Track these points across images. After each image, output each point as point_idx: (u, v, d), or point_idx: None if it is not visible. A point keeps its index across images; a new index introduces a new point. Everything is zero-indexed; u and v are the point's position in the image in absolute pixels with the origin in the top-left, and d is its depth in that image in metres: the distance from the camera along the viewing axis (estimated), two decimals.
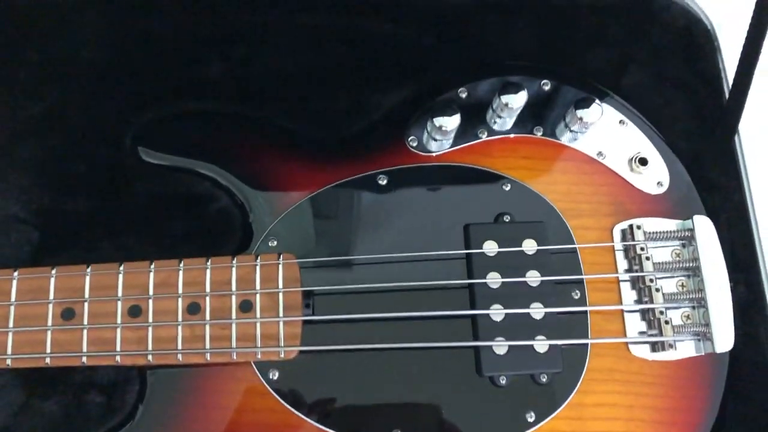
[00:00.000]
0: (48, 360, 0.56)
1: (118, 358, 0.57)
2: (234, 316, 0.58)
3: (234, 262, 0.59)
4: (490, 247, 0.62)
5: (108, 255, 0.59)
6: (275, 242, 0.61)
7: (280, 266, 0.59)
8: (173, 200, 0.63)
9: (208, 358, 0.57)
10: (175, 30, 0.67)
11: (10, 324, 0.56)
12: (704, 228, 0.64)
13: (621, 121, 0.68)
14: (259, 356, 0.58)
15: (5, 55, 0.65)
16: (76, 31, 0.66)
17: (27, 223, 0.62)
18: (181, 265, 0.59)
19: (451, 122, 0.63)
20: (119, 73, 0.66)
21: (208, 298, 0.58)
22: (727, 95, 0.71)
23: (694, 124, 0.71)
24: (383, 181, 0.64)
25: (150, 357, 0.57)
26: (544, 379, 0.59)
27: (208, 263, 0.59)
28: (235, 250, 0.61)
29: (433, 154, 0.64)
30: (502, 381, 0.59)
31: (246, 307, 0.59)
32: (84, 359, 0.56)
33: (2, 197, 0.62)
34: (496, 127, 0.66)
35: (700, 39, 0.74)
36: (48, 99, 0.65)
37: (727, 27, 0.71)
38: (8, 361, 0.56)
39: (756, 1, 0.65)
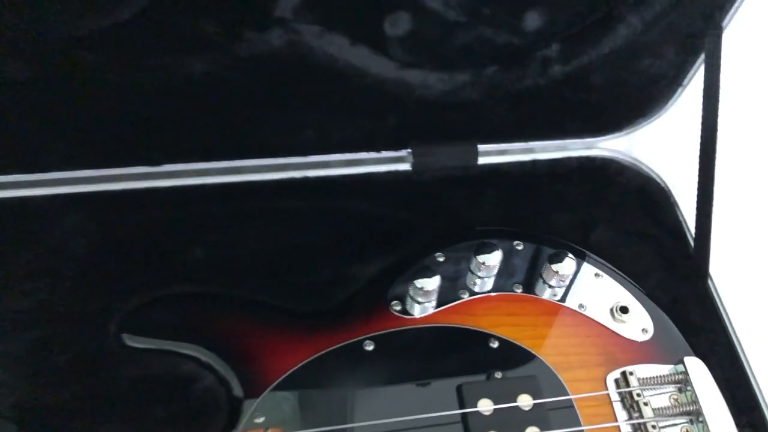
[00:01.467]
0: None
1: None
2: None
3: None
4: (486, 405, 0.59)
5: None
6: (262, 418, 0.58)
7: None
8: (157, 383, 0.60)
9: None
10: (157, 222, 0.69)
11: None
12: (697, 369, 0.62)
13: (596, 274, 0.68)
14: None
15: None
16: (66, 229, 0.68)
17: (2, 416, 0.59)
18: None
19: (431, 283, 0.63)
20: (105, 265, 0.66)
21: None
22: (691, 242, 0.73)
23: (666, 272, 0.72)
24: (370, 347, 0.62)
25: None
26: None
27: None
28: (222, 429, 0.57)
29: (417, 317, 0.64)
30: None
31: None
32: None
33: None
34: (476, 288, 0.66)
35: (655, 196, 0.78)
36: (35, 295, 0.65)
37: (678, 179, 0.76)
38: None
39: (699, 162, 0.71)
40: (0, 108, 0.63)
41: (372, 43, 0.64)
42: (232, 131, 0.68)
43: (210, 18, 0.58)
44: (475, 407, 0.59)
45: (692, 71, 0.72)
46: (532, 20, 0.66)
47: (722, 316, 0.69)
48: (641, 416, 0.59)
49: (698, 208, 0.71)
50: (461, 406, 0.59)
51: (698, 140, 0.70)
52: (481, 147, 0.75)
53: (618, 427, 0.60)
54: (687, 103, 0.73)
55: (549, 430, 0.57)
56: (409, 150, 0.75)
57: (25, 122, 0.64)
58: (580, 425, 0.59)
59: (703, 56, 0.69)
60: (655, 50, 0.69)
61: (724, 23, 0.66)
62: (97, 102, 0.64)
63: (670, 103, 0.75)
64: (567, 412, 0.60)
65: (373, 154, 0.74)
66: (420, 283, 0.63)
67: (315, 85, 0.65)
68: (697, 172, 0.71)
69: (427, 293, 0.63)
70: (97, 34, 0.57)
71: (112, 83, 0.61)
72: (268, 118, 0.68)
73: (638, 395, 0.61)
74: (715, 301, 0.70)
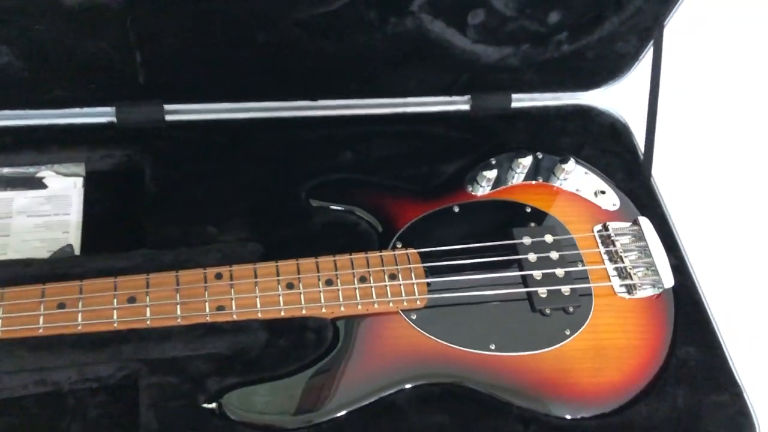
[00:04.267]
0: (283, 312, 0.86)
1: (323, 309, 0.87)
2: (387, 281, 0.90)
3: (381, 253, 0.93)
4: (527, 240, 0.97)
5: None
6: (400, 244, 0.95)
7: (408, 254, 0.93)
8: (333, 227, 0.96)
9: (376, 307, 0.88)
10: (321, 136, 1.06)
11: (258, 292, 0.87)
12: (646, 224, 0.99)
13: (585, 173, 1.06)
14: (405, 304, 0.89)
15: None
16: (263, 141, 1.02)
17: (253, 241, 0.94)
18: (352, 256, 0.92)
19: (491, 174, 1.00)
20: (292, 161, 1.01)
21: (371, 273, 0.90)
22: (641, 156, 1.12)
23: (625, 175, 1.09)
24: (456, 210, 0.99)
25: (342, 308, 0.88)
26: (571, 310, 0.92)
27: (367, 255, 0.92)
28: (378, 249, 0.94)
29: (479, 195, 1.02)
30: (547, 311, 0.91)
31: (392, 277, 0.91)
32: (304, 311, 0.87)
33: (240, 231, 0.94)
34: (514, 179, 1.03)
35: (620, 129, 1.16)
36: (247, 182, 0.99)
37: (634, 118, 1.16)
38: (259, 314, 0.86)
39: (648, 108, 1.10)
40: (237, 61, 0.99)
41: (459, 27, 1.01)
42: (370, 80, 1.05)
43: (373, 9, 0.94)
44: (521, 240, 0.98)
45: (645, 50, 1.09)
46: (553, 17, 1.03)
47: (658, 198, 1.08)
48: (614, 246, 0.99)
49: (646, 136, 1.10)
50: (512, 239, 0.98)
51: (647, 94, 1.10)
52: (514, 95, 1.14)
53: (599, 252, 0.98)
54: (641, 70, 1.12)
55: (561, 251, 0.97)
56: (469, 96, 1.14)
57: (249, 70, 1.00)
58: (578, 250, 0.98)
59: (652, 42, 1.07)
60: (625, 37, 1.04)
61: (665, 22, 1.04)
62: (296, 61, 1.00)
63: (630, 70, 1.12)
64: (571, 246, 0.98)
65: (447, 98, 1.12)
66: (484, 173, 1.00)
67: (422, 52, 1.02)
68: (646, 114, 1.11)
69: (488, 180, 1.01)
70: (310, 18, 0.93)
71: (309, 50, 0.97)
72: (392, 72, 1.05)
73: (611, 236, 1.00)
74: (654, 190, 1.08)
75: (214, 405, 0.82)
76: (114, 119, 1.00)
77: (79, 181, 0.99)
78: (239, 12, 0.87)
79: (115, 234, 0.97)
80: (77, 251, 0.94)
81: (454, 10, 0.98)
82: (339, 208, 0.98)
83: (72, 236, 0.95)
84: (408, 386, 0.86)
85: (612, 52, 1.08)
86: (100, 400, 0.84)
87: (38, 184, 0.98)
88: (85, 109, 1.00)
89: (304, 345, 0.86)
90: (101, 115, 1.00)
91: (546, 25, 1.03)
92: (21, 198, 0.96)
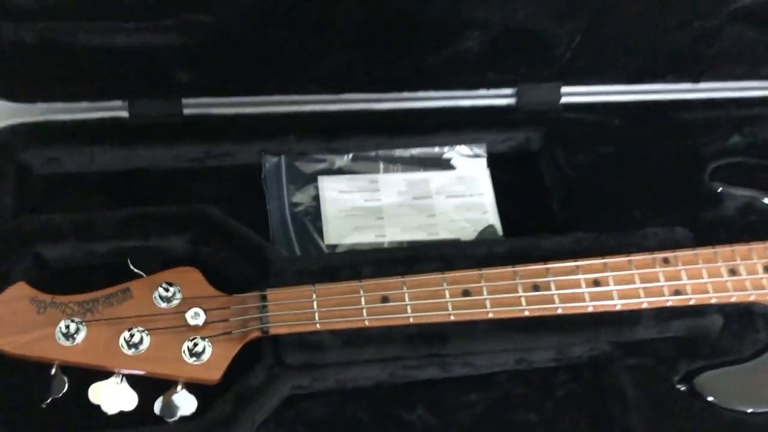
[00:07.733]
0: (734, 298, 0.87)
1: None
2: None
3: None
4: None
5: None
6: None
7: None
8: (747, 212, 0.97)
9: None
10: (708, 117, 1.06)
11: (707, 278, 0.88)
12: None
13: None
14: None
15: None
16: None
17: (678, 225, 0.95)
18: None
19: None
20: (687, 144, 1.03)
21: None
22: None
23: None
24: None
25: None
26: None
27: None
28: None
29: None
30: None
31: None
32: (752, 297, 0.88)
33: (659, 216, 0.94)
34: None
35: None
36: None
37: None
38: (713, 300, 0.87)
39: None
40: (660, 44, 0.98)
41: None
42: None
43: None
44: None
45: None
46: None
47: None
48: None
49: None
50: None
51: None
52: None
53: None
54: None
55: None
56: None
57: (654, 53, 0.99)
58: None
59: None
60: None
61: None
62: (707, 47, 0.99)
63: None
64: None
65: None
66: None
67: None
68: None
69: None
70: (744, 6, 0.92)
71: (728, 36, 0.96)
72: None
73: None
74: None
75: (684, 387, 0.84)
76: (513, 101, 1.01)
77: (483, 162, 1.00)
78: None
79: (524, 214, 0.98)
80: (499, 232, 0.95)
81: None
82: (744, 193, 0.99)
83: (491, 217, 0.96)
84: None
85: None
86: (563, 379, 0.87)
87: (447, 164, 0.99)
88: (483, 91, 1.00)
89: (756, 329, 0.88)
90: (501, 96, 1.01)
91: None
92: (436, 178, 0.98)
